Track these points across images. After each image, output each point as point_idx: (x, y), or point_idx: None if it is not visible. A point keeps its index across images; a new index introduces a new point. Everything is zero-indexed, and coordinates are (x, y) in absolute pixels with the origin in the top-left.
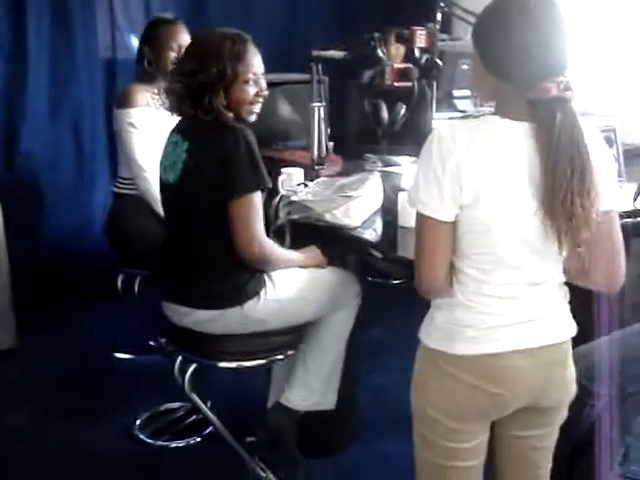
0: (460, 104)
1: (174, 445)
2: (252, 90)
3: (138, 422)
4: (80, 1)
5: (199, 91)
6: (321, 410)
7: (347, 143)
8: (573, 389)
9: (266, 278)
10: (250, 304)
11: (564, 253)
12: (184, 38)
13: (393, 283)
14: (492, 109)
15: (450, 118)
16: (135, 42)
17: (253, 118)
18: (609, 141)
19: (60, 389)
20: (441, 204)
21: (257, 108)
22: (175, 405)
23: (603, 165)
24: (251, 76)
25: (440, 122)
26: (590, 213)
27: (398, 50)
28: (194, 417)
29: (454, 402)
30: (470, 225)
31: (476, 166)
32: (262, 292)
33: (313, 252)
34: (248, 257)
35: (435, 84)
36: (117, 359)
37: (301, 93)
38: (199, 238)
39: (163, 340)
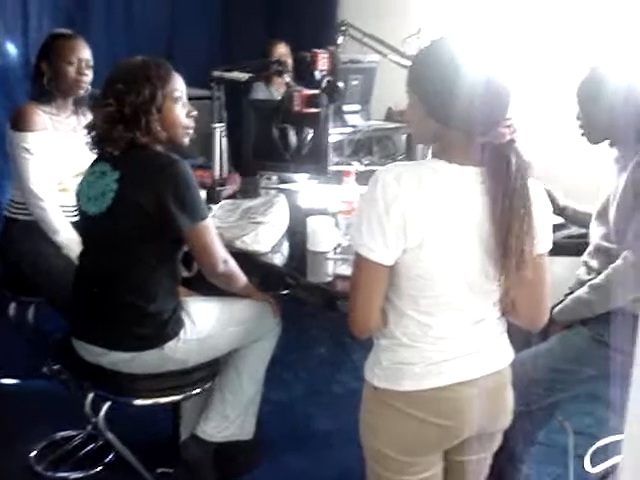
0: (350, 119)
1: (74, 476)
2: (183, 110)
3: (34, 453)
4: None
5: (133, 113)
6: (239, 440)
7: (243, 160)
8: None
9: (185, 317)
10: (170, 345)
11: (501, 292)
12: (84, 52)
13: (283, 294)
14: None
15: (341, 133)
16: (12, 49)
17: (188, 140)
18: None
19: None
20: (384, 248)
21: (191, 130)
22: (72, 433)
23: (541, 207)
24: (179, 94)
25: (386, 167)
26: (532, 254)
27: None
28: (93, 445)
29: (405, 437)
30: (415, 268)
31: (421, 210)
32: (182, 332)
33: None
34: (217, 277)
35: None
36: (2, 385)
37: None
38: (121, 274)
39: (57, 367)
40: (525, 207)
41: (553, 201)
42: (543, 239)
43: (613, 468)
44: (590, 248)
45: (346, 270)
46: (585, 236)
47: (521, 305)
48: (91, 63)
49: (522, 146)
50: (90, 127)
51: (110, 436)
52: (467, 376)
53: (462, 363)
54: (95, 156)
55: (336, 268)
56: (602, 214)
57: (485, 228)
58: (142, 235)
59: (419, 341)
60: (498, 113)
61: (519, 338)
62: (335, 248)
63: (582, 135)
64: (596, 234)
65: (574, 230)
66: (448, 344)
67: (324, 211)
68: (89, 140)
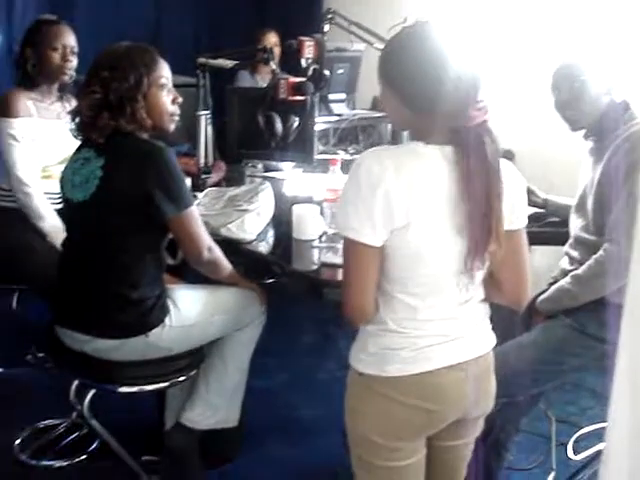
0: (336, 108)
1: (58, 465)
2: (169, 97)
3: (18, 442)
4: None
5: (118, 100)
6: (224, 428)
7: (228, 148)
8: (493, 398)
9: (170, 304)
10: (155, 332)
11: (481, 271)
12: (69, 38)
13: (267, 282)
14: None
15: (327, 122)
16: None
17: (173, 127)
18: None
19: None
20: (372, 230)
21: (176, 117)
22: (56, 421)
23: (514, 184)
24: (165, 81)
25: (366, 151)
26: (501, 232)
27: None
28: (77, 433)
29: (391, 423)
30: (402, 249)
31: (405, 191)
32: (167, 319)
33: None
34: (202, 265)
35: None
36: None
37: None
38: (105, 261)
39: (41, 355)
40: (499, 186)
41: (533, 194)
42: (519, 215)
43: (595, 456)
44: (571, 240)
45: (332, 258)
46: (566, 224)
47: (505, 283)
48: (76, 49)
49: (494, 128)
50: (74, 113)
51: (95, 423)
52: (453, 360)
53: (448, 347)
54: (79, 142)
55: (322, 256)
56: (580, 206)
57: (460, 207)
58: (126, 222)
59: (406, 326)
60: (467, 97)
61: (502, 328)
62: (320, 236)
63: (565, 121)
64: (575, 226)
65: (555, 218)
66: (434, 327)
67: (309, 199)
68: (73, 127)
